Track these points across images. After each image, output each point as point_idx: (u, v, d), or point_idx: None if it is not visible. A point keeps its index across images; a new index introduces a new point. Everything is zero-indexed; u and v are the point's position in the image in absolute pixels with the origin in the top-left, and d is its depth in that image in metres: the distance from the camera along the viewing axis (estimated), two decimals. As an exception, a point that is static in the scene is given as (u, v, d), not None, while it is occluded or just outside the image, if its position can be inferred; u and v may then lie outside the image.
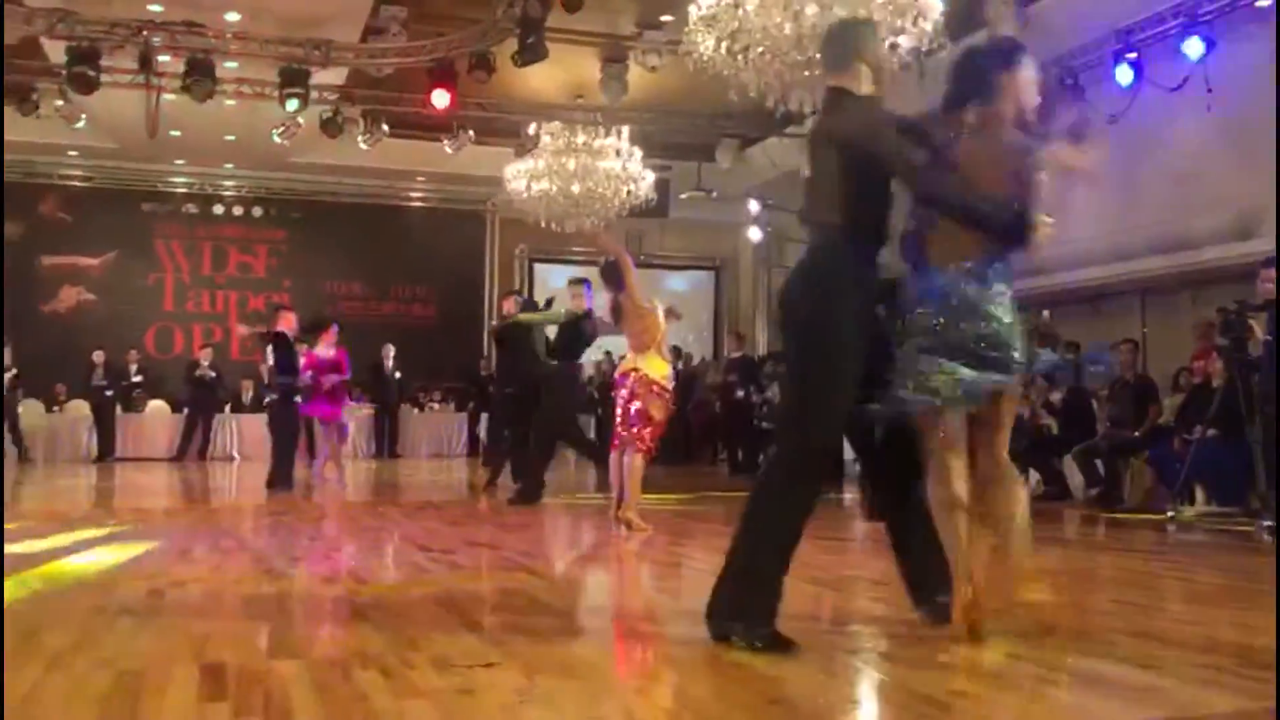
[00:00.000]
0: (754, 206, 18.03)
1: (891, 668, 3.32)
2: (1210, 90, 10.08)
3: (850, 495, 9.64)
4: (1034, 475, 10.07)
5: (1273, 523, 6.88)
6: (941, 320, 3.45)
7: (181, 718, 2.69)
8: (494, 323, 10.68)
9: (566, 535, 7.67)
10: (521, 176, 14.83)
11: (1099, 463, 9.79)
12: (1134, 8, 10.90)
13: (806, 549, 3.56)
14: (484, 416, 17.33)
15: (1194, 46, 10.26)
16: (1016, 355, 3.46)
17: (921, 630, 3.60)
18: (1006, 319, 3.45)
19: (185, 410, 16.87)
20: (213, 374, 16.73)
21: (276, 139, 14.82)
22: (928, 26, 8.79)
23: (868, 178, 3.50)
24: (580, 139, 14.29)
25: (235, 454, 16.78)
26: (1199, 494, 8.60)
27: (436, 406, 18.72)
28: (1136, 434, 9.55)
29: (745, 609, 3.38)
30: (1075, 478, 10.03)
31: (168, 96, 13.24)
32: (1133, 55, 11.02)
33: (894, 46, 8.84)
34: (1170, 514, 8.04)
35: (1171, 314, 11.53)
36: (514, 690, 2.91)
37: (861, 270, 3.53)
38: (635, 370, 7.18)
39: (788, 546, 3.46)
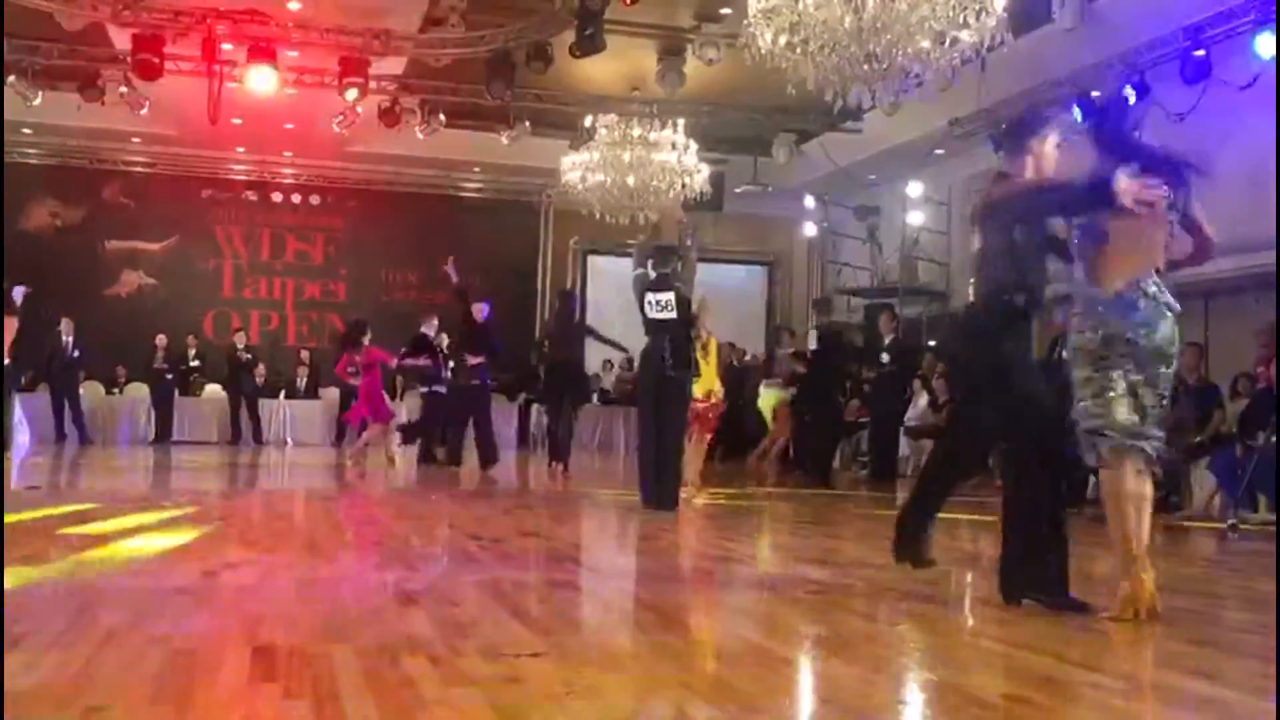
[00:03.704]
0: (809, 202, 17.93)
1: (943, 670, 3.27)
2: (1281, 88, 9.86)
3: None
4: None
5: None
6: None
7: (233, 697, 2.71)
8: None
9: (616, 527, 7.66)
10: (577, 168, 14.83)
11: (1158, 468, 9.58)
12: (1203, 4, 10.69)
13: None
14: (534, 408, 17.38)
15: (1265, 44, 10.04)
16: None
17: (973, 632, 3.55)
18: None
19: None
20: (248, 356, 16.79)
21: (335, 128, 14.97)
22: (990, 22, 8.66)
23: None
24: (636, 131, 14.26)
25: (289, 439, 16.95)
26: (1262, 502, 8.41)
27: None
28: (1199, 439, 9.35)
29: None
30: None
31: (229, 84, 13.42)
32: (1200, 53, 10.80)
33: (954, 41, 8.73)
34: (1232, 522, 7.86)
35: (1235, 317, 11.28)
36: (561, 681, 2.90)
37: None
38: None
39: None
